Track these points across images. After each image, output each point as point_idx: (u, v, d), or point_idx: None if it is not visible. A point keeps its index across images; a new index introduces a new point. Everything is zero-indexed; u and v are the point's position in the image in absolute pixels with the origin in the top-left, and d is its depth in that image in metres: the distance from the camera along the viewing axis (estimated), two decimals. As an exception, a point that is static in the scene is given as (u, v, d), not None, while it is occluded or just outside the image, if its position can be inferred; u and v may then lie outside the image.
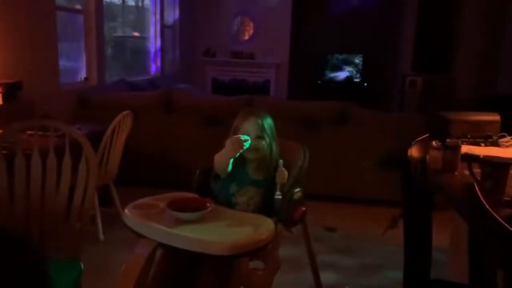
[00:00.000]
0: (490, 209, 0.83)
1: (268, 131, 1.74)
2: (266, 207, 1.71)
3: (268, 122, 1.75)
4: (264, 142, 1.72)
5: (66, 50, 4.65)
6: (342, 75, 7.85)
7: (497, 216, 0.82)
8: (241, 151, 1.63)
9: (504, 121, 2.31)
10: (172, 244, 1.43)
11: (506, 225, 0.81)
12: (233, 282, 1.54)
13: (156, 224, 1.47)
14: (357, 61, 7.78)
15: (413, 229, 1.34)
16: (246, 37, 7.38)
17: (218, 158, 1.69)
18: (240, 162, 1.72)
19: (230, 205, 1.71)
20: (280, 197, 1.69)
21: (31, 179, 1.71)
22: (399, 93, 6.93)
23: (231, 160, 1.66)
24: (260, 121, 1.72)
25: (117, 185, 3.05)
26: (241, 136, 1.64)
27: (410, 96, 6.52)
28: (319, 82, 7.80)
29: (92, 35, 4.68)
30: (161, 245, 1.45)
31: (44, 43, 3.88)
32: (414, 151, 1.38)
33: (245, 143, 1.62)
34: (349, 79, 7.82)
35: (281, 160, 1.70)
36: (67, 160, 1.73)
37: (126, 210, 1.57)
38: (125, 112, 2.86)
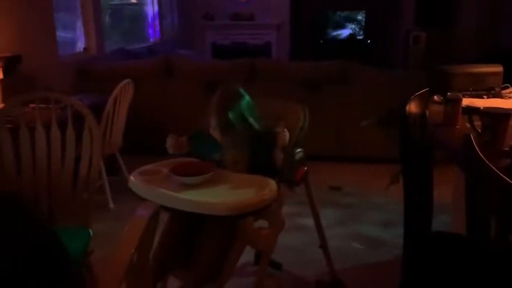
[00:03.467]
0: (484, 159, 0.84)
1: (238, 123, 1.66)
2: (261, 167, 1.69)
3: (238, 109, 1.66)
4: (239, 152, 1.68)
5: (64, 21, 4.59)
6: (344, 33, 7.69)
7: (491, 165, 0.83)
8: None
9: (508, 73, 2.28)
10: (177, 207, 1.46)
11: (500, 173, 0.82)
12: (238, 242, 1.59)
13: (161, 188, 1.51)
14: (359, 17, 7.60)
15: (412, 183, 1.36)
16: (245, -2, 7.20)
17: None
18: (212, 143, 1.71)
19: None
20: (282, 158, 1.71)
21: (37, 151, 1.74)
22: (403, 49, 6.80)
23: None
24: (224, 125, 1.65)
25: (122, 155, 3.08)
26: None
27: (414, 52, 6.40)
28: (321, 41, 7.65)
29: (88, 3, 4.60)
30: (167, 209, 1.49)
31: (41, 14, 3.83)
32: (412, 106, 1.37)
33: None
34: (352, 36, 7.66)
35: (282, 122, 1.71)
36: (70, 132, 1.75)
37: (131, 177, 1.61)
38: (125, 81, 2.86)
